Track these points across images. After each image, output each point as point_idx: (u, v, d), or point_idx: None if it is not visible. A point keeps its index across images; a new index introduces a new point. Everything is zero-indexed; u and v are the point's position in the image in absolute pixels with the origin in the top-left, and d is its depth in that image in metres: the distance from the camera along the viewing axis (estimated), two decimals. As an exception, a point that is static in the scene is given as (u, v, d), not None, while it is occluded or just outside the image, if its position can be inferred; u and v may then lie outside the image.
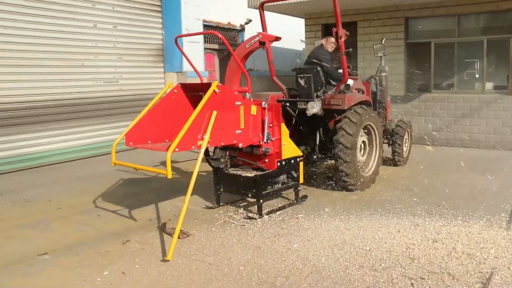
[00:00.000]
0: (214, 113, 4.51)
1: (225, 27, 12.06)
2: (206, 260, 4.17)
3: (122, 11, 9.73)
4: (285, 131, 5.86)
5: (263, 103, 5.27)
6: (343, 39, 6.10)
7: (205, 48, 11.32)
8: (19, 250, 4.54)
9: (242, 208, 5.71)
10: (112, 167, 5.89)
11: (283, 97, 6.85)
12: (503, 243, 4.31)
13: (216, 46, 12.05)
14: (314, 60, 6.72)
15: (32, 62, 8.24)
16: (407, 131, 7.92)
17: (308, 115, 6.25)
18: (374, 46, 7.30)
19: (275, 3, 9.37)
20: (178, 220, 4.31)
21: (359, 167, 6.52)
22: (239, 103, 4.93)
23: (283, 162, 5.63)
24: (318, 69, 6.53)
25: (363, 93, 6.80)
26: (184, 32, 10.50)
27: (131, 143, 4.66)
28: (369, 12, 10.09)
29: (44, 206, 6.01)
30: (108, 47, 9.53)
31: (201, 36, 11.19)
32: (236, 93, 4.94)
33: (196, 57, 10.97)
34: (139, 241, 4.67)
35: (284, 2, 9.20)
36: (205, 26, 11.40)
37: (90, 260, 4.23)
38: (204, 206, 5.83)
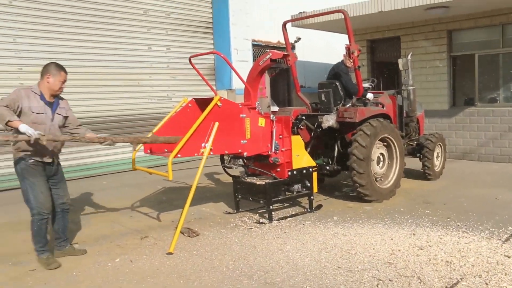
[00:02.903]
0: (216, 124, 5.05)
1: (275, 45, 12.63)
2: (204, 255, 4.68)
3: (175, 34, 10.69)
4: (299, 143, 6.26)
5: (271, 116, 5.72)
6: (355, 54, 6.41)
7: (254, 66, 11.93)
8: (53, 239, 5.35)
9: (257, 215, 6.15)
10: (162, 177, 6.66)
11: (307, 111, 7.24)
12: (486, 253, 4.35)
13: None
14: (334, 76, 7.05)
15: (93, 83, 9.36)
16: (439, 145, 7.88)
17: (323, 127, 6.57)
18: (399, 60, 7.43)
19: (315, 20, 9.86)
20: (187, 221, 4.87)
21: (378, 178, 6.70)
22: (244, 115, 5.43)
23: (294, 172, 6.00)
24: (337, 83, 6.85)
25: (383, 107, 6.97)
26: (233, 52, 11.26)
27: (149, 151, 5.33)
28: (412, 26, 10.12)
29: (91, 207, 6.88)
30: (162, 67, 10.49)
31: (250, 55, 11.87)
32: (240, 106, 5.44)
33: (245, 75, 11.63)
34: (155, 238, 5.30)
35: (324, 19, 9.56)
36: (254, 45, 12.07)
37: (108, 250, 4.92)
38: (224, 212, 6.35)
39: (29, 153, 4.37)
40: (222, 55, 5.67)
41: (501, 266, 4.03)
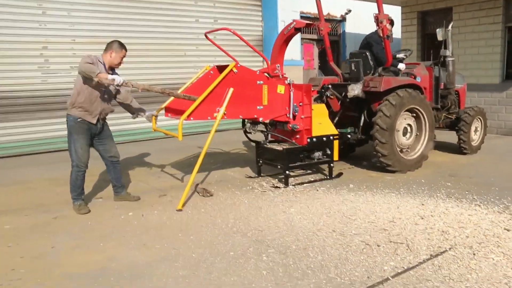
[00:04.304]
0: (231, 90, 5.22)
1: (325, 18, 12.39)
2: (210, 213, 4.94)
3: (222, 6, 10.88)
4: (323, 111, 6.29)
5: (288, 80, 5.79)
6: (384, 23, 6.24)
7: (302, 38, 11.89)
8: (86, 192, 5.87)
9: (277, 180, 6.30)
10: (195, 143, 7.06)
11: (338, 81, 7.18)
12: (485, 226, 4.21)
13: (315, 37, 12.53)
14: (366, 45, 6.91)
15: (142, 53, 9.84)
16: (479, 118, 7.52)
17: (349, 97, 6.51)
18: (437, 30, 7.10)
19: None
20: (208, 182, 5.17)
21: (405, 150, 6.57)
22: (261, 82, 5.54)
23: (314, 139, 6.06)
24: (367, 53, 6.72)
25: (415, 77, 6.75)
26: (280, 24, 11.24)
27: (169, 115, 5.62)
28: (465, -4, 9.54)
29: (124, 168, 7.36)
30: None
31: (298, 27, 11.79)
32: (258, 73, 5.56)
33: (293, 47, 11.64)
34: (172, 196, 5.64)
35: None
36: (302, 17, 11.96)
37: (126, 205, 5.33)
38: (246, 175, 6.57)
39: (78, 112, 4.96)
40: (232, 31, 5.79)
41: (496, 239, 3.90)
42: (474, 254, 3.64)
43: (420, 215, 4.58)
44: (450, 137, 8.19)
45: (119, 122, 9.48)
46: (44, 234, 4.46)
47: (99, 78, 4.71)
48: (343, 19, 12.68)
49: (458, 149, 7.60)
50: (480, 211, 4.68)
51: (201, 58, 10.73)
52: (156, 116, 5.62)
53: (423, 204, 4.97)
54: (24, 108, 8.55)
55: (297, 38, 11.74)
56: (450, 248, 3.78)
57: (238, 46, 10.98)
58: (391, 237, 4.08)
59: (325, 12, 13.06)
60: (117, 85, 4.80)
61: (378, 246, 3.91)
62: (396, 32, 12.39)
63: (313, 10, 12.30)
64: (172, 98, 5.60)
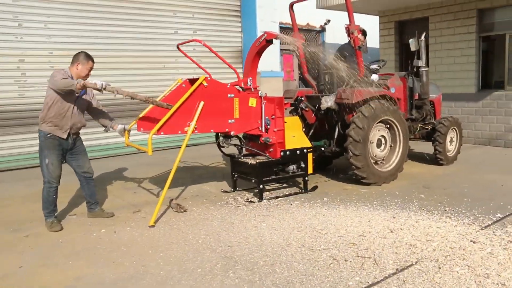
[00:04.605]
0: (201, 103, 5.22)
1: (304, 28, 12.53)
2: (182, 229, 4.91)
3: (201, 17, 10.92)
4: (296, 123, 6.33)
5: (260, 93, 5.82)
6: (355, 34, 6.31)
7: (282, 49, 11.95)
8: (60, 209, 5.79)
9: (252, 194, 6.30)
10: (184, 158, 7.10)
11: (312, 93, 7.22)
12: (452, 238, 4.25)
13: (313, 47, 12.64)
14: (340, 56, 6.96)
15: (120, 65, 9.83)
16: (454, 129, 7.60)
17: (322, 109, 6.55)
18: (410, 41, 7.19)
19: (339, 2, 9.69)
20: (184, 198, 5.16)
21: (379, 162, 6.62)
22: (232, 95, 5.56)
23: (287, 152, 6.07)
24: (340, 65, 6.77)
25: (388, 88, 6.81)
26: (259, 35, 11.28)
27: (141, 129, 5.59)
28: (440, 6, 9.69)
29: (101, 183, 7.32)
30: (187, 51, 10.75)
31: (277, 38, 11.87)
32: (228, 86, 5.57)
33: (272, 58, 11.72)
34: (146, 212, 5.60)
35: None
36: (281, 28, 12.05)
37: (99, 221, 5.28)
38: (221, 190, 6.55)
39: (48, 127, 4.93)
40: (202, 42, 5.86)
41: (462, 251, 3.93)
42: (439, 268, 3.67)
43: (390, 229, 4.61)
44: (426, 147, 8.27)
45: (94, 137, 9.44)
46: (13, 253, 4.40)
47: (84, 84, 4.70)
48: (322, 30, 12.79)
49: (434, 159, 7.68)
50: (449, 223, 4.72)
51: (180, 70, 10.73)
52: (129, 130, 5.60)
53: (394, 217, 5.00)
54: (0, 123, 8.47)
55: (276, 49, 11.80)
56: (416, 262, 3.80)
57: (216, 58, 11.02)
58: (359, 252, 4.09)
59: (304, 22, 13.28)
60: (100, 89, 4.73)
61: (346, 260, 3.92)
62: (374, 42, 12.55)
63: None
64: (144, 112, 5.59)
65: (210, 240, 4.55)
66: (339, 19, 12.67)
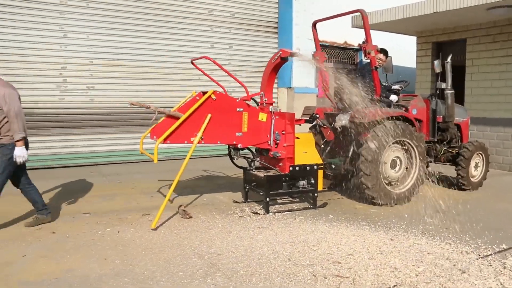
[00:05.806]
0: (209, 115, 5.41)
1: (341, 46, 12.51)
2: (180, 234, 5.08)
3: (238, 32, 11.22)
4: (309, 140, 6.36)
5: (271, 108, 5.92)
6: (372, 54, 6.29)
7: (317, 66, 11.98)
8: (75, 208, 6.15)
9: (261, 206, 6.37)
10: (201, 166, 7.32)
11: (332, 111, 7.23)
12: (442, 265, 4.11)
13: (331, 64, 12.62)
14: (360, 75, 6.95)
15: (157, 76, 10.29)
16: (480, 154, 7.32)
17: (336, 127, 6.54)
18: (434, 62, 7.04)
19: (381, 21, 9.66)
20: (194, 205, 5.51)
21: (393, 183, 6.50)
22: (241, 109, 5.70)
23: (297, 168, 6.11)
24: (359, 84, 6.74)
25: (406, 110, 6.71)
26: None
27: (154, 137, 5.85)
28: (479, 28, 9.39)
29: (124, 186, 7.67)
30: (223, 64, 11.06)
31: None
32: (238, 100, 5.73)
33: (307, 74, 11.81)
34: (154, 216, 5.81)
35: (392, 19, 9.35)
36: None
37: (108, 221, 5.57)
38: (233, 200, 6.68)
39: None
40: (211, 59, 6.07)
41: (445, 280, 3.81)
42: (416, 293, 3.59)
43: (381, 250, 4.54)
44: (452, 171, 8.00)
45: (129, 141, 9.88)
46: (22, 243, 4.75)
47: None
48: (360, 48, 12.68)
49: (457, 184, 7.42)
50: (446, 250, 4.58)
51: (212, 83, 11.01)
52: None
53: (392, 239, 4.91)
54: (40, 124, 9.08)
55: (312, 66, 11.84)
56: (394, 286, 3.74)
57: (240, 72, 11.25)
58: (342, 271, 4.07)
59: (342, 41, 13.26)
60: None
61: (325, 278, 3.91)
62: (411, 62, 12.33)
63: (328, 38, 12.44)
64: (158, 122, 5.85)
65: (202, 246, 4.68)
66: (377, 38, 12.58)
